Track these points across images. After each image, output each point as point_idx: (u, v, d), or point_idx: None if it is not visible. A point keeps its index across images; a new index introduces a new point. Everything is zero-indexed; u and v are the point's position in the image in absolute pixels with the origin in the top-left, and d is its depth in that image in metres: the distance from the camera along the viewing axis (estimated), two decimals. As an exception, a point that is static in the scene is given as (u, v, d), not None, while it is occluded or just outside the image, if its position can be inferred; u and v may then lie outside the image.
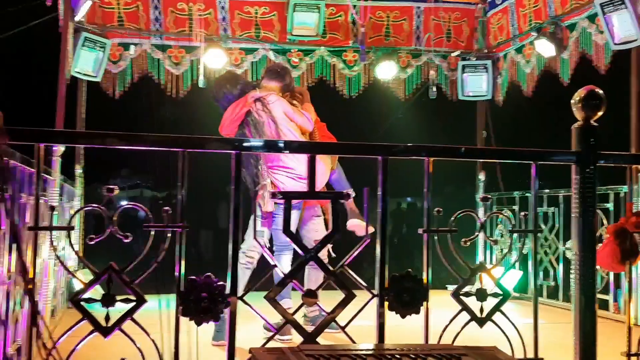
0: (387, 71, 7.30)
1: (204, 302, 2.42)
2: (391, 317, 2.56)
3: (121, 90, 6.93)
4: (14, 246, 2.94)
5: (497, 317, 2.61)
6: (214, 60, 6.79)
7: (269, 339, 2.44)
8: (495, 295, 2.63)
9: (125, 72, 6.91)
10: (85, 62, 6.30)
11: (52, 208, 2.33)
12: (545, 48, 6.42)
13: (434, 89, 7.33)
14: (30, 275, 2.35)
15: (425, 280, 2.56)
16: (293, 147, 2.57)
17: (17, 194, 2.95)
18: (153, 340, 2.39)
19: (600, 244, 2.84)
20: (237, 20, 7.07)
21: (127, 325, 2.41)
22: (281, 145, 2.62)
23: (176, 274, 2.42)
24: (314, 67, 7.38)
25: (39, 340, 2.26)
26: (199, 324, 2.43)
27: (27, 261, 2.35)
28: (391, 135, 9.24)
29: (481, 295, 2.59)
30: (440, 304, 2.75)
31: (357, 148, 2.68)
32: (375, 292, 2.55)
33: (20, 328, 3.40)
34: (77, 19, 6.14)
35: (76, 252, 2.50)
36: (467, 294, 2.62)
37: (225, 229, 2.54)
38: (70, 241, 2.39)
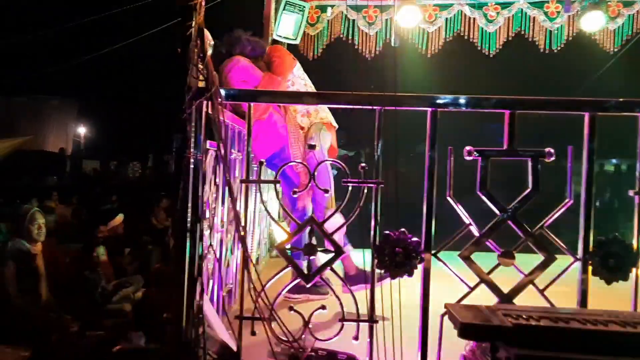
0: (593, 22, 6.72)
1: (399, 257, 2.48)
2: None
3: (317, 53, 7.15)
4: (227, 198, 3.23)
5: None
6: (407, 18, 6.74)
7: (465, 296, 2.44)
8: None
9: (322, 34, 7.12)
10: (286, 26, 6.60)
11: (261, 163, 2.51)
12: None
13: (650, 39, 6.62)
14: (242, 224, 2.57)
15: (635, 246, 2.39)
16: (491, 103, 2.49)
17: (229, 150, 3.21)
18: (350, 290, 2.50)
19: None
20: (432, -25, 6.93)
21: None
22: (476, 102, 2.54)
23: (371, 228, 2.51)
24: (512, 20, 7.02)
25: (250, 283, 2.49)
26: (393, 277, 2.49)
27: (239, 211, 2.58)
28: (596, 91, 8.53)
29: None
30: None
31: (561, 103, 2.52)
32: (579, 255, 2.43)
33: (231, 273, 3.73)
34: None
35: (280, 204, 2.69)
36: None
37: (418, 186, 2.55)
38: (277, 194, 2.57)
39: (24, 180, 12.63)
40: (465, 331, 1.77)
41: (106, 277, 5.94)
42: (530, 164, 2.45)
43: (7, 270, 4.62)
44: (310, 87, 4.28)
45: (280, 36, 6.63)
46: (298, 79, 4.23)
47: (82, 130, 25.67)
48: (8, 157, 16.70)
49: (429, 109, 2.50)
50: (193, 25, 2.41)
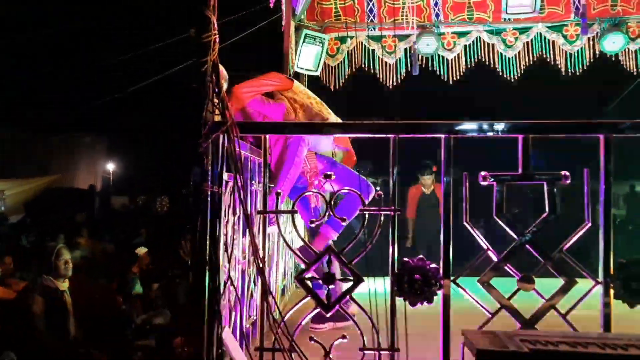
0: (614, 44, 6.69)
1: (417, 284, 2.47)
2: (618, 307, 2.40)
3: (339, 84, 7.23)
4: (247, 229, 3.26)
5: None
6: (426, 46, 6.81)
7: (486, 322, 2.41)
8: None
9: (342, 64, 7.20)
10: (306, 58, 6.71)
11: (278, 193, 2.54)
12: None
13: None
14: (261, 255, 2.59)
15: (658, 267, 2.35)
16: (505, 128, 2.49)
17: (248, 181, 3.25)
18: (370, 318, 2.49)
19: None
20: (449, 3, 6.96)
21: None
22: (497, 127, 2.53)
23: (390, 255, 2.51)
24: (531, 45, 7.02)
25: (270, 315, 2.50)
26: (413, 304, 2.48)
27: (258, 243, 2.60)
28: (620, 113, 8.44)
29: None
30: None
31: (575, 126, 2.51)
32: (600, 279, 2.40)
33: (255, 304, 3.74)
34: (297, 13, 6.57)
35: (298, 234, 2.71)
36: None
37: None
38: (294, 224, 2.59)
39: (54, 217, 12.86)
40: (481, 358, 1.76)
41: (136, 311, 6.01)
42: (546, 187, 2.44)
43: (35, 307, 4.69)
44: (313, 98, 4.38)
45: (301, 68, 6.73)
46: (300, 94, 4.34)
47: (111, 166, 26.18)
48: (38, 196, 17.06)
49: (443, 136, 2.51)
50: (208, 61, 2.47)
